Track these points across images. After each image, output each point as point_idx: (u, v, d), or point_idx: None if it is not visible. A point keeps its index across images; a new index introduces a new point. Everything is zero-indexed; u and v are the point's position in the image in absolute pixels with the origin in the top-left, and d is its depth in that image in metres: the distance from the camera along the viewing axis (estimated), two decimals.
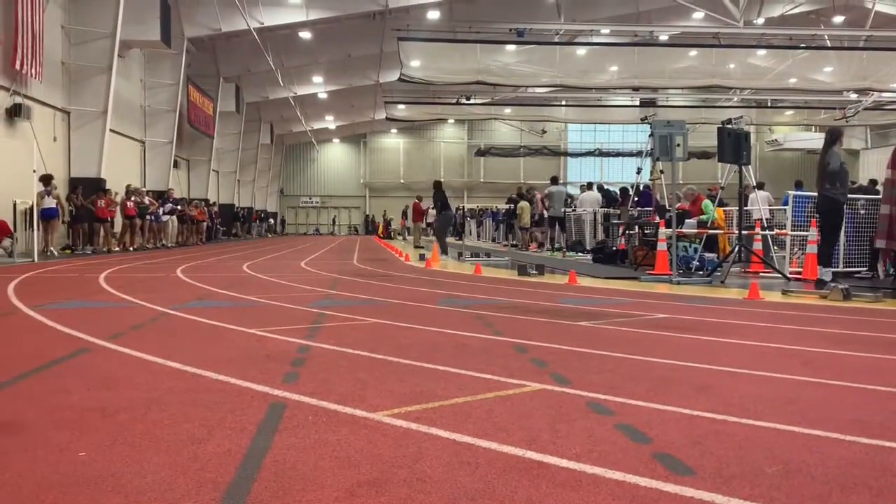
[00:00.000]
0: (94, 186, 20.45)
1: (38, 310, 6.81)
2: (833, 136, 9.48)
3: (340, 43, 33.55)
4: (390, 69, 33.94)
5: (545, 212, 21.22)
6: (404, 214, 47.76)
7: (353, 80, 39.45)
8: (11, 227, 16.54)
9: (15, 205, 17.19)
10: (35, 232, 15.97)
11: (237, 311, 6.96)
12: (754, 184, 14.07)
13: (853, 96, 31.65)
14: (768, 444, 2.75)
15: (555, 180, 21.19)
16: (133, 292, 8.63)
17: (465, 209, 41.46)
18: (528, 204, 22.55)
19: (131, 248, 21.42)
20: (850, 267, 12.33)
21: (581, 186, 22.06)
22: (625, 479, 2.35)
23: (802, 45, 26.59)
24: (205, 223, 29.72)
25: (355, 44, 33.87)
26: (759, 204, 13.90)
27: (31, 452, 2.59)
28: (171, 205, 26.17)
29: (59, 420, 3.03)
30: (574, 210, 21.21)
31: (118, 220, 21.79)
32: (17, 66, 17.54)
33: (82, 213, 19.61)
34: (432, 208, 20.56)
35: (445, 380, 3.83)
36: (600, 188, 21.06)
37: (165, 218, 25.71)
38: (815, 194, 10.01)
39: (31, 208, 16.61)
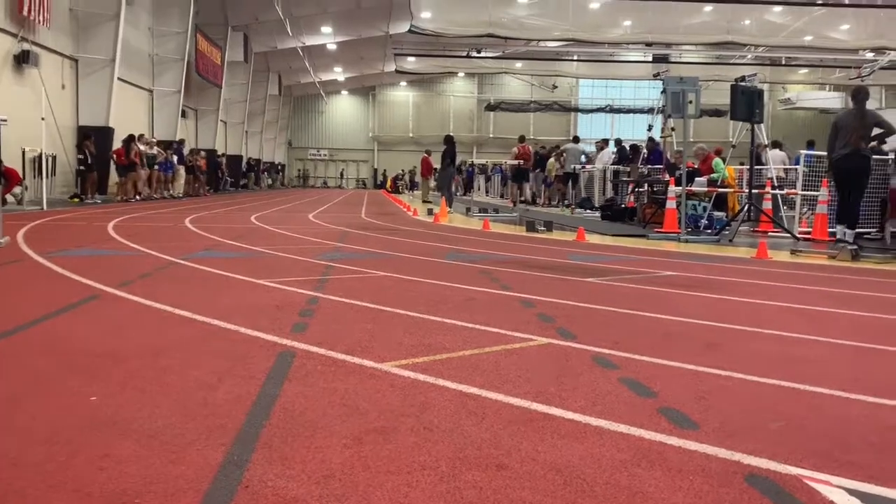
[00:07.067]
0: (104, 135, 20.41)
1: (48, 257, 6.85)
2: (866, 94, 9.31)
3: None
4: (400, 20, 33.49)
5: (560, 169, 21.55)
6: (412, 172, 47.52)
7: (363, 31, 38.97)
8: (21, 175, 16.54)
9: (24, 152, 17.17)
10: (44, 180, 15.96)
11: (246, 261, 6.99)
12: (766, 142, 13.92)
13: (869, 55, 31.17)
14: (772, 401, 2.77)
15: (576, 139, 21.72)
16: (142, 241, 8.66)
17: (475, 164, 41.25)
18: (554, 161, 22.69)
19: (137, 198, 21.33)
20: (859, 227, 12.24)
21: (597, 143, 22.08)
22: (629, 431, 2.37)
23: (819, 2, 26.14)
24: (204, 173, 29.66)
25: None
26: (772, 163, 13.77)
27: (44, 397, 2.63)
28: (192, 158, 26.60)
29: (70, 365, 3.07)
30: (583, 168, 21.12)
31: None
32: (25, 12, 17.37)
33: (93, 162, 19.60)
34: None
35: (452, 332, 3.86)
36: (618, 142, 20.83)
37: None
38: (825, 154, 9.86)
39: (40, 156, 16.58)
